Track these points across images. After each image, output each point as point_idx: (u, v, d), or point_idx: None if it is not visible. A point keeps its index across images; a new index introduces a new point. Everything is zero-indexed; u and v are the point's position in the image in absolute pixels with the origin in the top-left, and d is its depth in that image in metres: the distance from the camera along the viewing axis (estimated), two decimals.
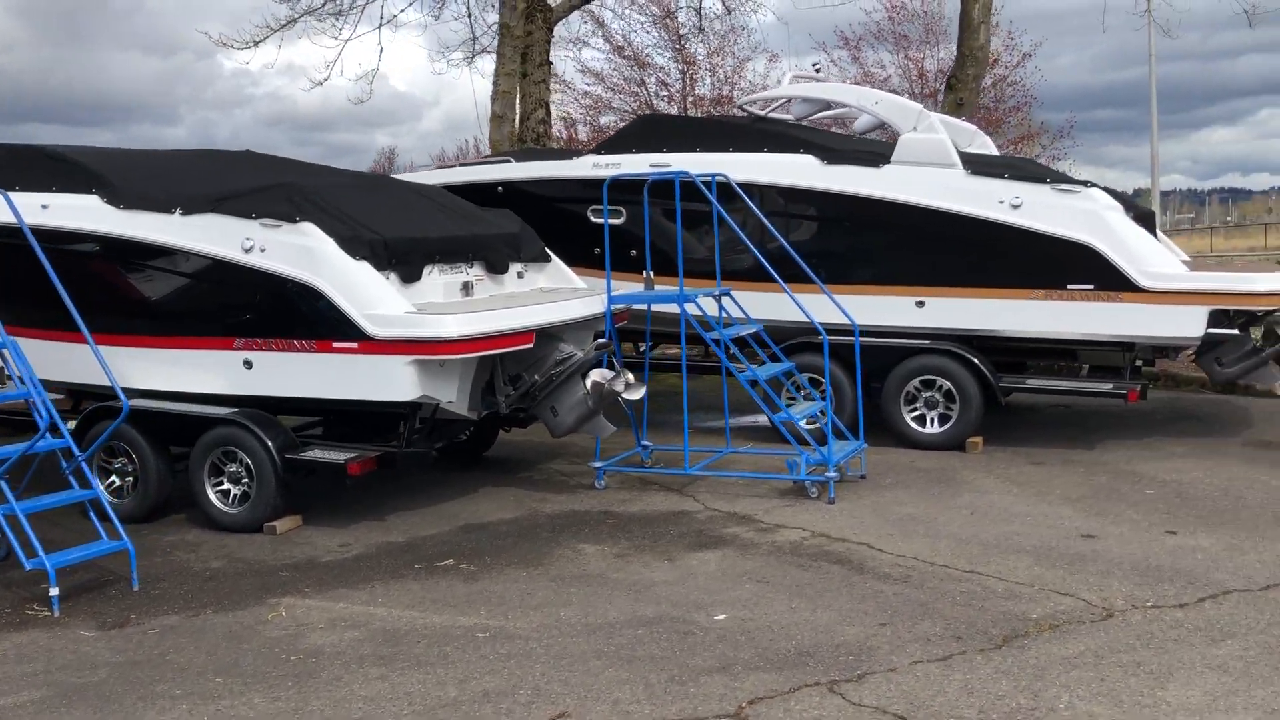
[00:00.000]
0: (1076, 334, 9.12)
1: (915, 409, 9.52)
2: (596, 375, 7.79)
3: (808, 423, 8.57)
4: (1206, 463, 8.61)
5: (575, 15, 19.72)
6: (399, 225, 7.86)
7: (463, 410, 7.86)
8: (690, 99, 33.80)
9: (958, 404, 9.31)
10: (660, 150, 10.28)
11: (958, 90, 16.48)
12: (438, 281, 7.93)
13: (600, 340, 7.96)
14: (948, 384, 9.32)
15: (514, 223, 9.05)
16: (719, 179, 8.81)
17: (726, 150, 10.06)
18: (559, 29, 18.38)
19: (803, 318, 8.62)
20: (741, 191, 8.76)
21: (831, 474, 7.82)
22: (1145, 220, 9.49)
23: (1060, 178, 9.30)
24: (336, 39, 18.09)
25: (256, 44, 18.25)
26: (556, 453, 9.75)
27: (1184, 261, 9.98)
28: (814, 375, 9.69)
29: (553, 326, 7.88)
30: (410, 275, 7.69)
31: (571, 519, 7.66)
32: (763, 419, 8.13)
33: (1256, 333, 9.83)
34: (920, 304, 9.46)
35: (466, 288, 8.14)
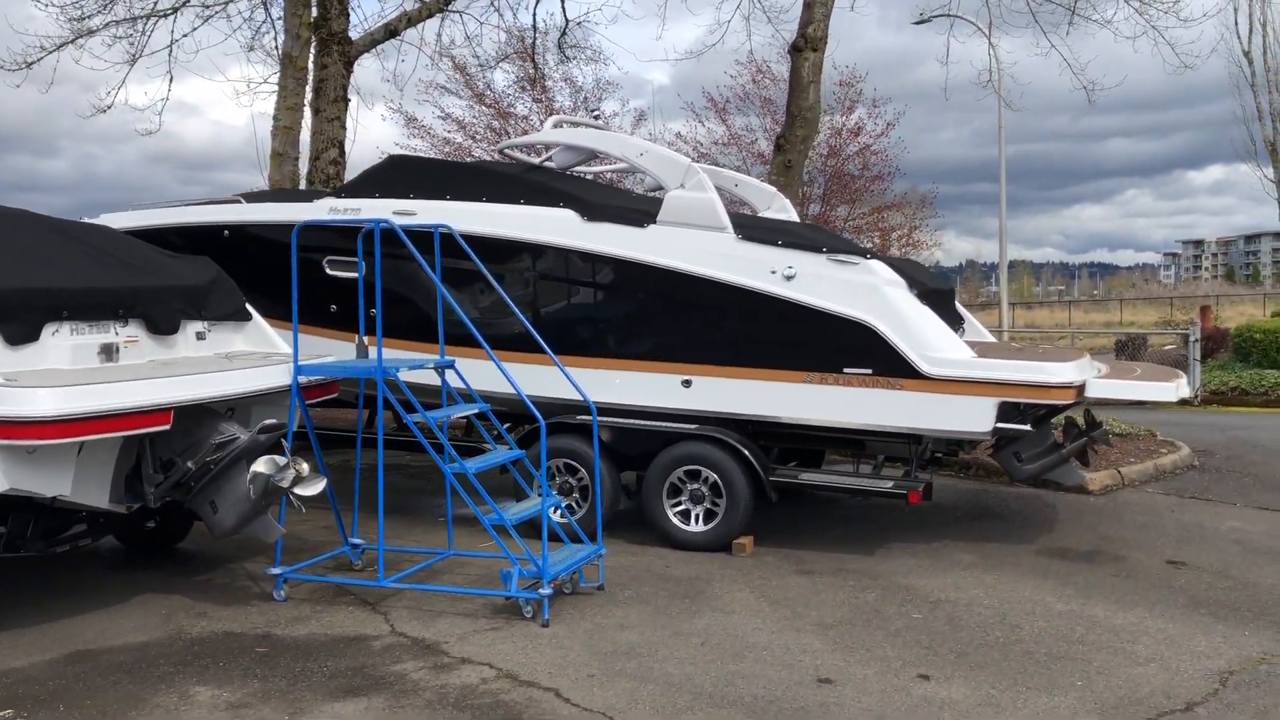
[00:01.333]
0: (855, 423, 8.04)
1: (679, 503, 8.30)
2: (261, 465, 6.35)
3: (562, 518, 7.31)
4: (991, 576, 7.56)
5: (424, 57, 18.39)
6: (11, 273, 6.32)
7: (97, 503, 6.34)
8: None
9: (724, 499, 8.12)
10: (407, 195, 8.96)
11: (786, 151, 15.68)
12: (64, 343, 6.41)
13: (269, 422, 6.51)
14: (714, 476, 8.12)
15: (204, 274, 7.60)
16: (442, 230, 7.53)
17: (479, 199, 8.80)
18: (423, 71, 17.10)
19: (569, 394, 7.47)
20: (467, 247, 7.47)
21: (545, 590, 6.49)
22: (937, 297, 8.52)
23: (842, 246, 8.27)
24: (128, 55, 16.44)
25: (29, 65, 16.49)
26: (267, 547, 8.22)
27: (980, 344, 9.07)
28: (570, 461, 8.45)
29: (207, 401, 6.43)
30: (18, 334, 6.15)
31: (216, 645, 6.15)
32: (524, 509, 6.82)
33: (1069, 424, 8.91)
34: (687, 383, 8.28)
35: (108, 351, 6.63)
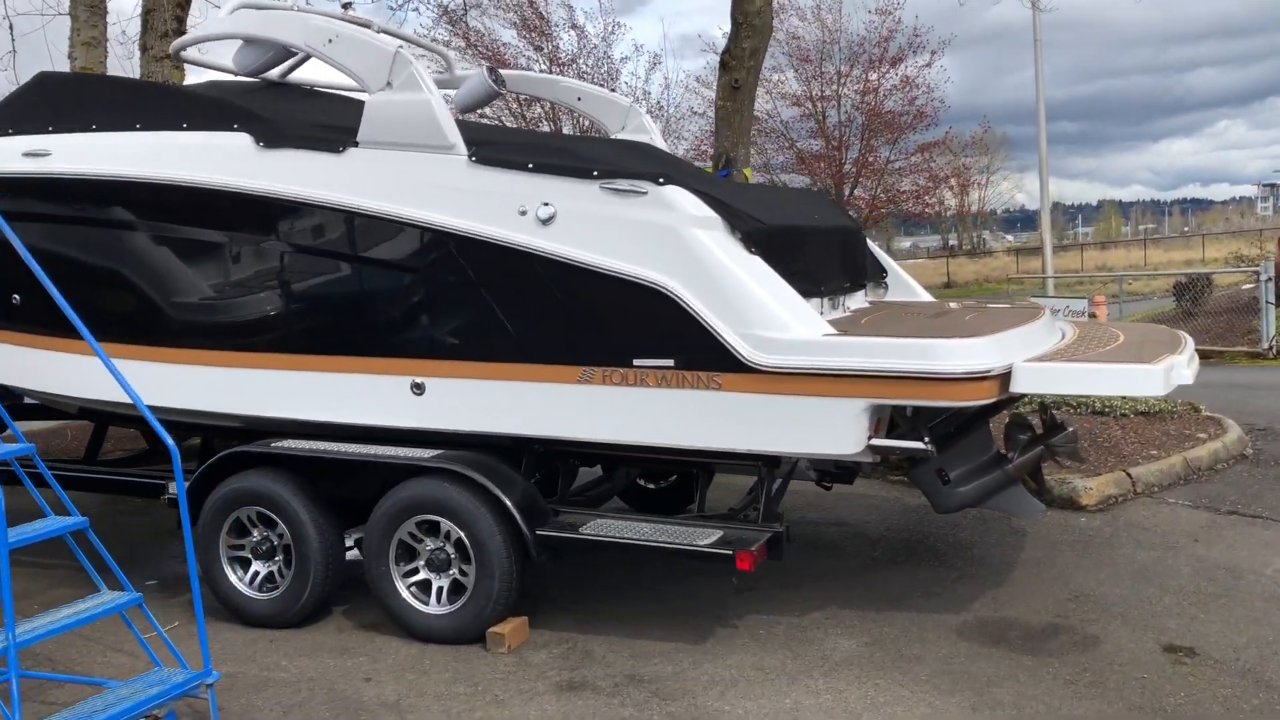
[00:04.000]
0: (657, 441, 5.17)
1: (415, 570, 5.50)
2: None
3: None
4: (866, 690, 4.66)
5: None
6: None
7: None
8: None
9: (473, 565, 5.30)
10: (47, 129, 6.21)
11: (732, 69, 12.58)
12: None
13: None
14: (457, 530, 5.31)
15: None
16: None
17: (132, 128, 6.01)
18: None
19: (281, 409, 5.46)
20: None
21: None
22: (801, 241, 5.55)
23: (629, 166, 5.29)
24: None
25: None
26: None
27: (876, 311, 6.10)
28: (265, 510, 5.72)
29: None
30: None
31: None
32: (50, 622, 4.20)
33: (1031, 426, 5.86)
34: (418, 389, 5.45)
35: None
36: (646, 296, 4.94)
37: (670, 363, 4.95)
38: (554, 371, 5.16)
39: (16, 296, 6.28)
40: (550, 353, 5.16)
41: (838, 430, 4.79)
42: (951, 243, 70.25)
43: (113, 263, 5.93)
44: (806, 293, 5.38)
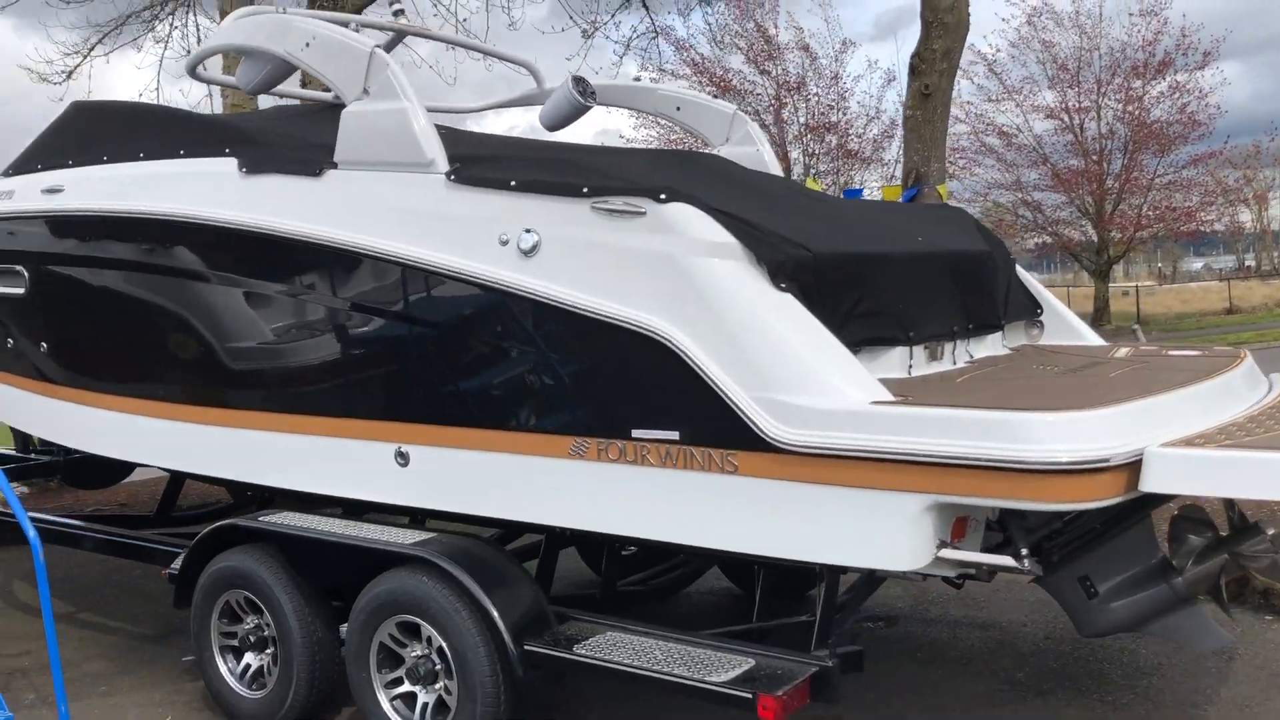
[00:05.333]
0: (661, 536, 3.96)
1: (399, 681, 4.52)
2: None
3: None
4: None
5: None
6: None
7: None
8: (795, 126, 29.03)
9: (455, 680, 4.25)
10: (67, 164, 5.72)
11: (922, 74, 11.18)
12: None
13: None
14: (437, 636, 4.28)
15: None
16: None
17: (136, 158, 5.41)
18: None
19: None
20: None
21: None
22: (865, 272, 4.18)
23: (629, 181, 4.08)
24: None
25: (70, 75, 14.84)
26: None
27: (995, 361, 4.65)
28: (252, 596, 4.92)
29: None
30: None
31: None
32: None
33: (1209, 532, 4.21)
34: (402, 458, 4.47)
35: None
36: (643, 347, 3.75)
37: (675, 435, 3.74)
38: (542, 442, 4.05)
39: (44, 344, 5.83)
40: (537, 418, 4.06)
41: (891, 536, 3.43)
42: (1249, 263, 63.83)
43: (96, 303, 5.36)
44: (884, 340, 4.05)
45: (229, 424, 4.93)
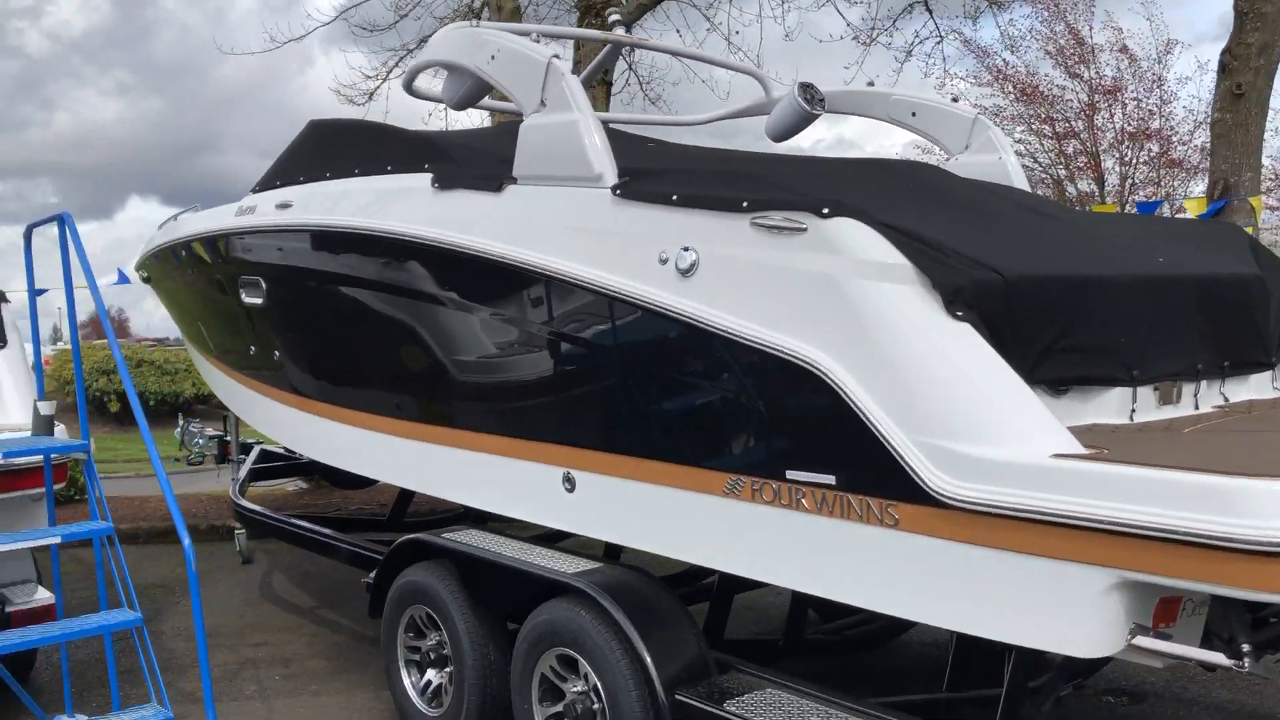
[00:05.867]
0: (810, 589, 3.57)
1: (559, 718, 4.34)
2: None
3: None
4: None
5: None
6: None
7: None
8: (1110, 134, 27.09)
9: None
10: (298, 180, 5.99)
11: (1234, 72, 9.97)
12: None
13: None
14: (593, 674, 4.07)
15: None
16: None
17: (351, 174, 5.57)
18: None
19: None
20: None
21: None
22: (1076, 298, 3.56)
23: (786, 196, 3.65)
24: None
25: (371, 96, 15.95)
26: None
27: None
28: (431, 612, 4.92)
29: None
30: None
31: None
32: None
33: None
34: (569, 483, 4.30)
35: None
36: (798, 379, 3.37)
37: (831, 480, 3.33)
38: (697, 477, 3.74)
39: (276, 352, 6.13)
40: (692, 451, 3.75)
41: (1070, 615, 2.87)
42: None
43: (308, 314, 5.55)
44: (1098, 379, 3.45)
45: (405, 435, 4.96)
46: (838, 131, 30.49)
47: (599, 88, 12.01)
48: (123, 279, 11.45)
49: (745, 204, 3.57)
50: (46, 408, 4.70)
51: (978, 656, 3.98)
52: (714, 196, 3.70)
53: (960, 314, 3.20)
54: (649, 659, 3.85)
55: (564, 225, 4.18)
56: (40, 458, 4.68)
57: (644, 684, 3.85)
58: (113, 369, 24.80)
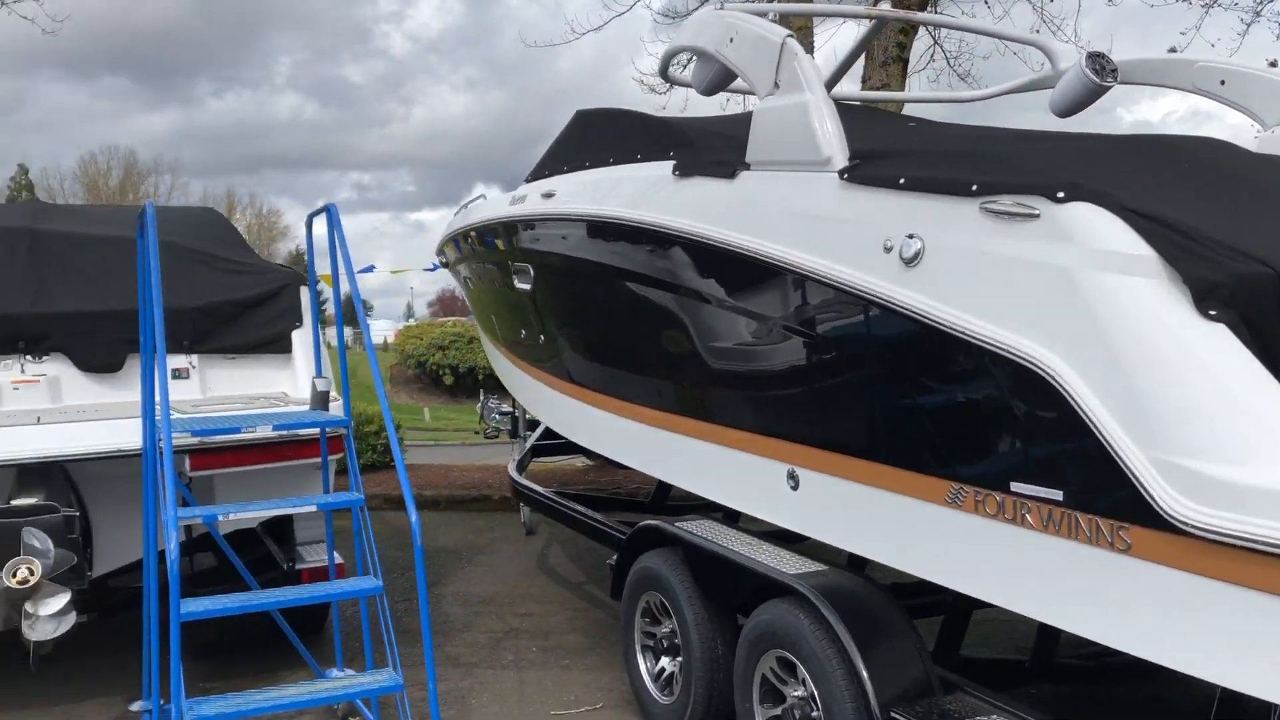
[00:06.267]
0: (1033, 614, 3.22)
1: (776, 716, 4.21)
2: (17, 564, 4.50)
3: None
4: None
5: None
6: None
7: None
8: None
9: None
10: (562, 170, 6.15)
11: None
12: None
13: (26, 502, 4.61)
14: (810, 680, 3.92)
15: (223, 294, 5.95)
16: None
17: (605, 163, 5.63)
18: None
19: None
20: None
21: None
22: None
23: (1021, 178, 3.24)
24: None
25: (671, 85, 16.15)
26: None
27: None
28: (664, 600, 4.94)
29: None
30: None
31: None
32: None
33: None
34: (793, 480, 4.14)
35: None
36: (1025, 383, 3.05)
37: (1058, 495, 2.99)
38: (920, 483, 3.48)
39: (541, 337, 6.33)
40: (916, 456, 3.49)
41: None
42: None
43: (562, 302, 5.66)
44: None
45: (640, 419, 4.99)
46: (1192, 103, 27.75)
47: (894, 66, 11.55)
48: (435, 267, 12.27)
49: (974, 187, 3.26)
50: (322, 384, 5.08)
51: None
52: (941, 179, 3.41)
53: (1213, 313, 2.77)
54: (864, 671, 3.64)
55: (791, 212, 4.00)
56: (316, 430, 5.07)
57: (859, 697, 3.65)
58: (447, 344, 26.85)
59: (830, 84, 5.89)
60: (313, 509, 5.12)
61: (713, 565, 4.54)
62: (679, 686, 4.78)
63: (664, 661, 5.00)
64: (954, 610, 4.24)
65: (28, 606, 4.40)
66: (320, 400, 5.09)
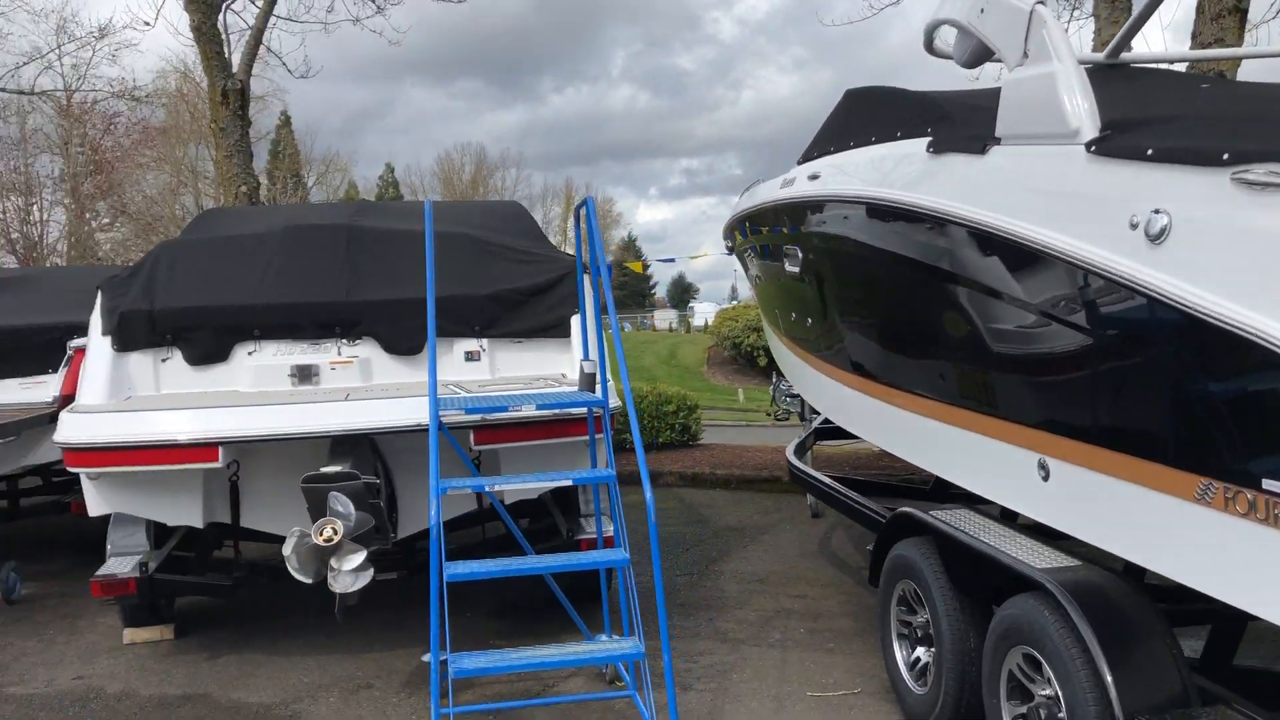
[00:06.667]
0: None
1: (1023, 715, 4.05)
2: (323, 524, 5.12)
3: None
4: None
5: None
6: (197, 291, 6.21)
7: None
8: None
9: None
10: (829, 150, 6.12)
11: None
12: (252, 364, 6.11)
13: (332, 469, 5.16)
14: (1056, 684, 3.75)
15: (507, 282, 6.39)
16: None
17: (868, 142, 5.54)
18: None
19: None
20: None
21: None
22: None
23: (1276, 149, 2.85)
24: None
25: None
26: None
27: None
28: (917, 589, 4.90)
29: (273, 438, 5.39)
30: (197, 354, 6.10)
31: None
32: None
33: None
34: (1043, 470, 3.96)
35: (304, 373, 6.09)
36: (1277, 371, 2.77)
37: None
38: (1169, 477, 3.24)
39: (809, 319, 6.34)
40: (1164, 447, 3.25)
41: None
42: None
43: (822, 284, 5.62)
44: None
45: (893, 403, 4.89)
46: None
47: (1229, 19, 10.49)
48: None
49: (1225, 156, 2.99)
50: (589, 366, 5.36)
51: None
52: (1189, 148, 3.14)
53: None
54: (1109, 675, 3.43)
55: (1038, 188, 3.81)
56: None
57: (1103, 701, 3.45)
58: (760, 326, 27.20)
59: (1119, 48, 5.49)
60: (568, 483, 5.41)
61: (963, 555, 4.41)
62: (931, 677, 4.68)
63: (919, 651, 4.91)
64: (1224, 617, 3.89)
65: (332, 562, 4.97)
66: (587, 381, 5.37)
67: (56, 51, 25.41)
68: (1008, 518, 4.94)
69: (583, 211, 5.31)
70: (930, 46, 5.49)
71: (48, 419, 7.12)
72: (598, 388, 5.36)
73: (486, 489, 4.89)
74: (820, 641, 6.08)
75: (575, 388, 5.58)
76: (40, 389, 7.89)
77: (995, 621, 4.09)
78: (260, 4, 14.05)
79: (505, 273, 6.46)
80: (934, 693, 4.60)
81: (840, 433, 8.74)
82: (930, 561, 4.63)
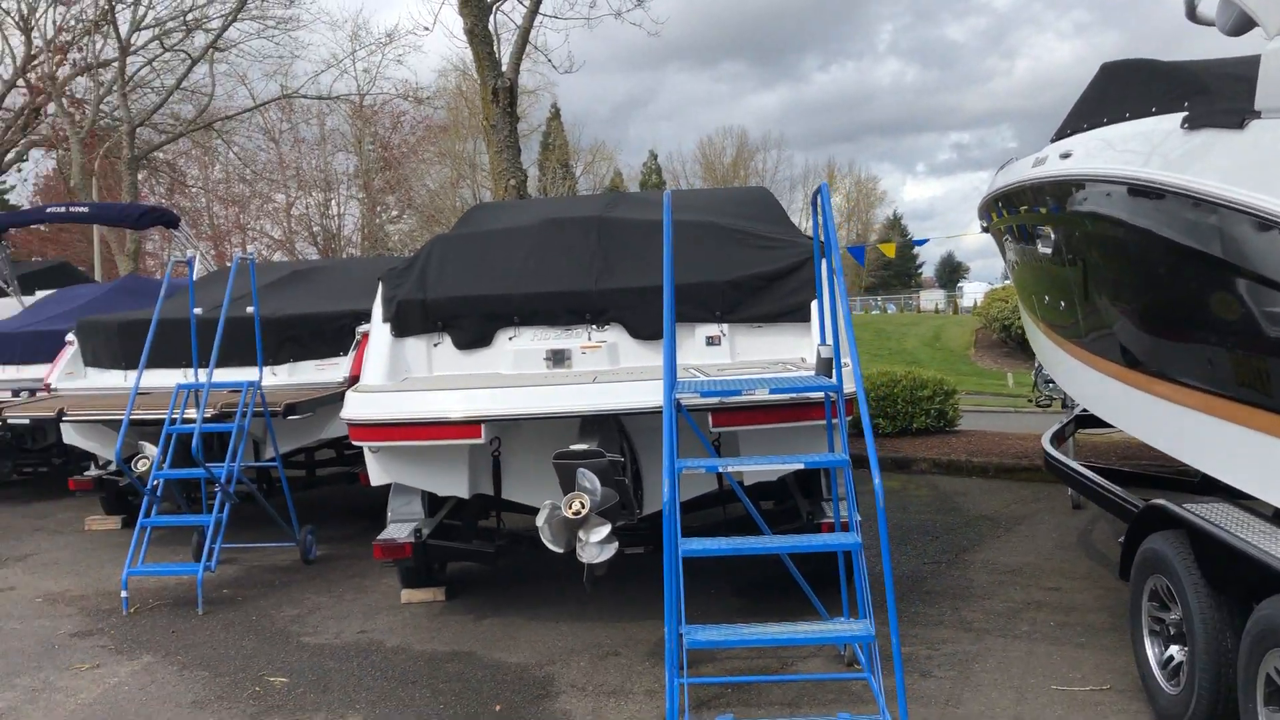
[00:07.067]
0: None
1: None
2: (572, 498, 5.46)
3: None
4: None
5: None
6: (464, 282, 6.67)
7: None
8: None
9: None
10: (1081, 127, 5.90)
11: None
12: (512, 349, 6.54)
13: (580, 447, 5.47)
14: None
15: (750, 268, 6.55)
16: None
17: (1121, 118, 5.30)
18: None
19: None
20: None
21: None
22: None
23: None
24: None
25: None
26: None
27: None
28: (1169, 583, 4.73)
29: (526, 417, 5.76)
30: (464, 339, 6.58)
31: None
32: None
33: None
34: None
35: (558, 357, 6.47)
36: None
37: None
38: None
39: (1062, 303, 6.13)
40: None
41: None
42: None
43: (1072, 265, 5.41)
44: None
45: (1150, 390, 4.68)
46: None
47: None
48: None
49: None
50: (825, 351, 5.42)
51: None
52: None
53: None
54: None
55: None
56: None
57: None
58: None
59: None
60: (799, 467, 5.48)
61: (1218, 551, 4.19)
62: (1183, 678, 4.47)
63: (1172, 649, 4.70)
64: None
65: (580, 534, 5.29)
66: (824, 366, 5.43)
67: (351, 58, 27.69)
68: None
69: (818, 200, 5.37)
70: (1193, 14, 5.18)
71: (338, 398, 7.90)
72: (835, 372, 5.41)
73: (720, 469, 5.07)
74: (1070, 636, 5.89)
75: (813, 372, 5.65)
76: (333, 370, 8.73)
77: (1251, 622, 3.88)
78: (528, 3, 14.80)
79: (747, 259, 6.60)
80: (1187, 694, 4.40)
81: (1104, 421, 8.37)
82: (1183, 556, 4.42)
